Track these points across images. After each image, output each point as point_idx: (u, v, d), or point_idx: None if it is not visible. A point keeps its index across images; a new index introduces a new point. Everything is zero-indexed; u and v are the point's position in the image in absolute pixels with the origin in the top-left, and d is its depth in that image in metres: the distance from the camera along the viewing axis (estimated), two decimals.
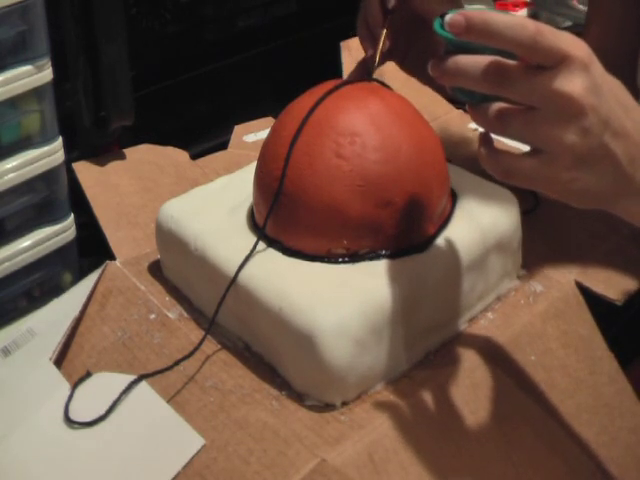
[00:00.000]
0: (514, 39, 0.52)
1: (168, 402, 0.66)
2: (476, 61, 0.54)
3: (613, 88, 0.55)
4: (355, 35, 1.02)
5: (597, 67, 0.54)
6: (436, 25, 0.55)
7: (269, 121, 1.01)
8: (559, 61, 0.52)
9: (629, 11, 0.91)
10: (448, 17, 0.53)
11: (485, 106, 0.56)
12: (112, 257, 0.81)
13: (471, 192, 0.75)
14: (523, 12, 1.30)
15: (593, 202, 0.58)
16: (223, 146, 1.00)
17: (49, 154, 0.78)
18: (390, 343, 0.66)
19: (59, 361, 0.71)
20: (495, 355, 0.70)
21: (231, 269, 0.68)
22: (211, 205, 0.76)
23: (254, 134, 1.01)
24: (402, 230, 0.68)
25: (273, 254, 0.69)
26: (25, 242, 0.79)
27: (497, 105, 0.55)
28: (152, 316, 0.74)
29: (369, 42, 0.76)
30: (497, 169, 0.57)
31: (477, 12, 0.53)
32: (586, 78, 0.53)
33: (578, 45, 0.53)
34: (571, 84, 0.52)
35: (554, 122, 0.53)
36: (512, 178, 0.57)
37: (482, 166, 0.58)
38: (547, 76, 0.53)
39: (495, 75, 0.54)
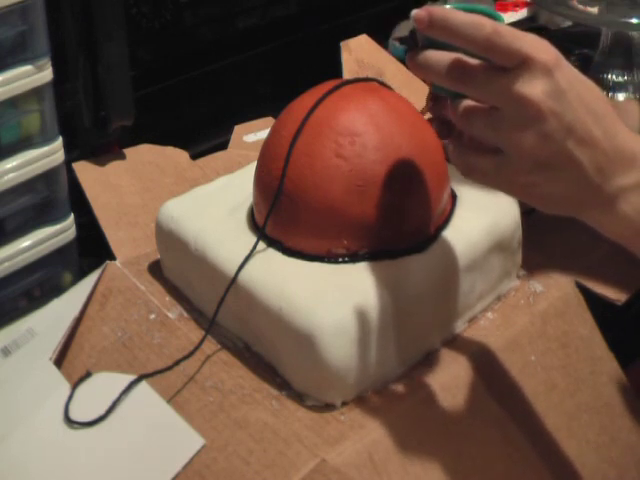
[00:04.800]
0: (470, 38, 0.52)
1: (168, 402, 0.66)
2: (442, 57, 0.54)
3: (582, 94, 0.54)
4: (355, 35, 1.02)
5: (564, 72, 0.53)
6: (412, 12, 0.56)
7: (269, 121, 1.01)
8: (519, 63, 0.52)
9: None
10: (414, 12, 0.55)
11: (457, 101, 0.56)
12: (112, 257, 0.81)
13: (471, 192, 0.75)
14: (523, 12, 1.30)
15: (558, 209, 0.57)
16: (223, 146, 1.00)
17: (49, 154, 0.78)
18: (390, 343, 0.66)
19: (59, 361, 0.71)
20: (495, 355, 0.70)
21: (231, 269, 0.68)
22: (211, 205, 0.76)
23: (254, 134, 1.01)
24: (402, 230, 0.68)
25: (273, 254, 0.69)
26: (25, 242, 0.79)
27: (465, 102, 0.55)
28: (152, 316, 0.74)
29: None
30: (460, 164, 0.57)
31: (439, 8, 0.54)
32: (547, 82, 0.52)
33: (542, 48, 0.52)
34: (530, 87, 0.52)
35: (513, 124, 0.53)
36: (472, 175, 0.57)
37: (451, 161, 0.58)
38: (507, 77, 0.52)
39: (457, 72, 0.54)
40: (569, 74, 0.53)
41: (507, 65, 0.52)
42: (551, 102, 0.52)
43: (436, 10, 0.54)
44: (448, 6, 0.55)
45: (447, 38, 0.54)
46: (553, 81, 0.52)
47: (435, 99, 0.62)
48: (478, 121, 0.54)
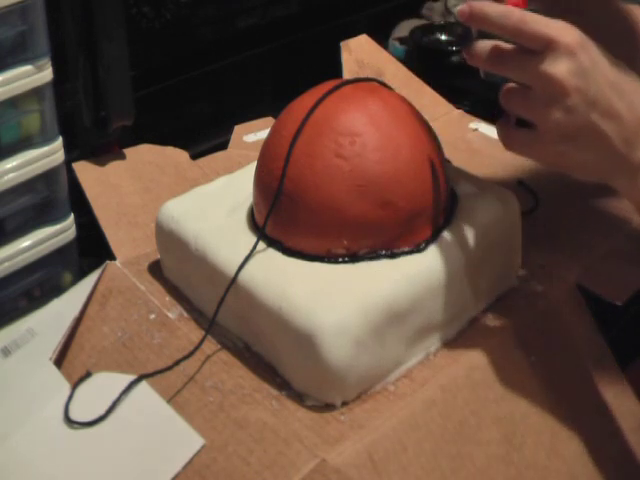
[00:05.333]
0: (501, 26, 0.60)
1: (168, 402, 0.66)
2: (484, 45, 0.62)
3: (607, 72, 0.60)
4: (355, 35, 1.02)
5: (588, 52, 0.59)
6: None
7: (269, 121, 1.01)
8: (545, 46, 0.59)
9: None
10: (458, 7, 0.62)
11: (503, 83, 0.63)
12: (112, 257, 0.81)
13: (471, 192, 0.75)
14: None
15: (588, 175, 0.64)
16: (223, 146, 1.00)
17: (49, 154, 0.78)
18: (390, 343, 0.66)
19: (59, 361, 0.71)
20: (495, 355, 0.70)
21: (231, 269, 0.68)
22: (211, 205, 0.76)
23: (254, 134, 1.01)
24: (402, 230, 0.68)
25: (273, 254, 0.69)
26: (25, 242, 0.79)
27: (509, 84, 0.62)
28: (152, 316, 0.74)
29: None
30: (503, 138, 0.65)
31: (478, 2, 0.61)
32: (571, 62, 0.58)
33: (567, 32, 0.59)
34: (554, 67, 0.58)
35: (542, 101, 0.60)
36: (512, 147, 0.64)
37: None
38: (535, 59, 0.59)
39: (495, 57, 0.61)
40: (593, 54, 0.59)
41: (535, 48, 0.59)
42: (574, 79, 0.58)
43: (476, 4, 0.61)
44: None
45: (485, 27, 0.61)
46: (577, 60, 0.58)
47: None
48: (514, 99, 0.62)
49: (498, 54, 0.61)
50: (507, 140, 0.64)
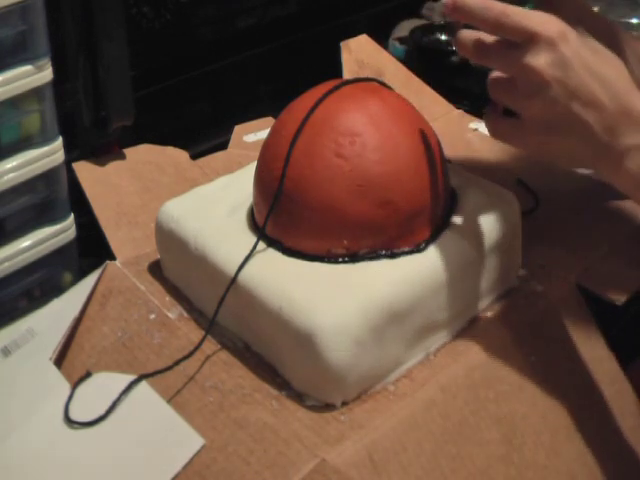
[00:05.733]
0: (482, 19, 0.61)
1: (168, 402, 0.66)
2: (468, 35, 0.63)
3: (589, 62, 0.60)
4: (355, 35, 1.02)
5: (568, 43, 0.60)
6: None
7: (269, 121, 1.01)
8: (527, 39, 0.60)
9: None
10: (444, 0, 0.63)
11: (490, 72, 0.65)
12: (112, 257, 0.81)
13: (471, 192, 0.75)
14: None
15: (572, 163, 0.67)
16: (223, 146, 1.00)
17: (49, 154, 0.78)
18: (390, 343, 0.66)
19: (59, 361, 0.71)
20: (495, 355, 0.70)
21: (231, 269, 0.68)
22: (211, 205, 0.76)
23: (254, 134, 1.01)
24: (402, 230, 0.68)
25: (273, 254, 0.69)
26: (25, 242, 0.79)
27: (494, 73, 0.64)
28: (152, 316, 0.74)
29: None
30: (489, 127, 0.66)
31: None
32: (551, 53, 0.59)
33: (547, 23, 0.60)
34: (535, 59, 0.60)
35: (524, 92, 0.61)
36: (497, 136, 0.66)
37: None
38: (517, 51, 0.60)
39: (478, 48, 0.63)
40: (574, 44, 0.60)
41: (517, 41, 0.60)
42: (554, 70, 0.60)
43: None
44: None
45: (468, 21, 0.62)
46: (557, 52, 0.59)
47: None
48: (498, 89, 0.64)
49: (481, 46, 0.63)
50: (493, 129, 0.66)
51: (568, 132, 0.62)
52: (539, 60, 0.59)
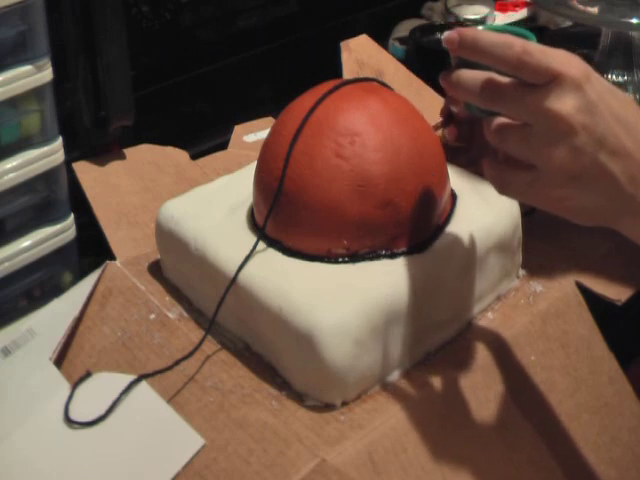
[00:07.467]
0: (500, 58, 0.54)
1: (168, 402, 0.66)
2: (474, 76, 0.56)
3: (613, 105, 0.55)
4: (355, 35, 1.02)
5: (594, 85, 0.54)
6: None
7: (269, 121, 1.01)
8: (550, 80, 0.53)
9: None
10: (445, 33, 0.57)
11: (489, 119, 0.57)
12: (112, 257, 0.81)
13: (471, 192, 0.75)
14: (523, 12, 1.30)
15: (593, 220, 0.58)
16: (223, 146, 1.00)
17: (49, 154, 0.78)
18: (390, 343, 0.66)
19: (59, 361, 0.71)
20: (495, 355, 0.70)
21: (231, 269, 0.68)
22: (211, 205, 0.76)
23: (254, 134, 1.01)
24: (402, 230, 0.68)
25: (273, 254, 0.69)
26: (25, 242, 0.79)
27: (498, 119, 0.56)
28: (152, 316, 0.74)
29: None
30: (495, 180, 0.59)
31: (470, 30, 0.56)
32: (578, 97, 0.53)
33: (572, 63, 0.54)
34: (561, 103, 0.53)
35: (545, 140, 0.54)
36: (507, 191, 0.58)
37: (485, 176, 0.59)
38: (538, 94, 0.54)
39: (489, 91, 0.56)
40: (599, 87, 0.54)
41: (538, 82, 0.54)
42: (582, 116, 0.53)
43: (466, 31, 0.56)
44: (480, 27, 0.58)
45: (478, 58, 0.55)
46: (583, 95, 0.53)
47: (448, 114, 0.65)
48: (511, 138, 0.56)
49: (492, 88, 0.55)
50: (501, 183, 0.58)
51: (592, 185, 0.55)
52: (565, 104, 0.53)
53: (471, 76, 0.56)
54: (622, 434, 0.71)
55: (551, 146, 0.54)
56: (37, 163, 0.78)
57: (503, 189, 0.58)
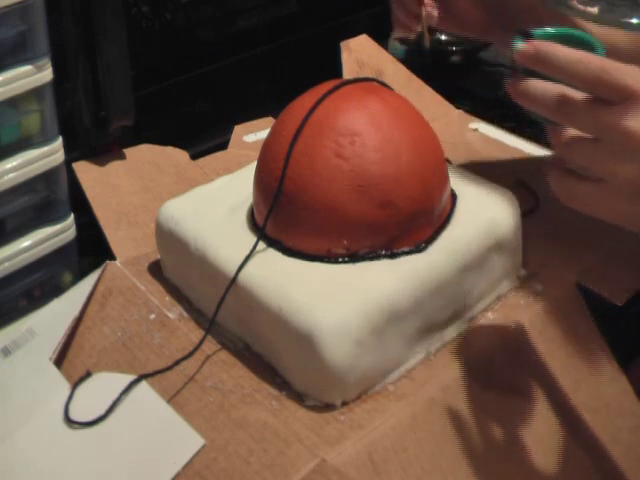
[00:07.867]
0: (578, 75, 0.54)
1: (168, 402, 0.66)
2: (546, 89, 0.56)
3: None
4: (355, 35, 1.02)
5: None
6: (516, 44, 0.56)
7: (269, 121, 1.01)
8: (625, 97, 0.53)
9: None
10: (519, 46, 0.55)
11: (559, 129, 0.57)
12: (112, 257, 0.81)
13: (471, 192, 0.75)
14: None
15: None
16: (223, 146, 1.00)
17: (49, 154, 0.78)
18: (390, 343, 0.66)
19: (59, 361, 0.71)
20: (495, 355, 0.70)
21: (231, 269, 0.68)
22: (211, 205, 0.76)
23: (254, 134, 1.01)
24: (402, 230, 0.68)
25: (273, 254, 0.69)
26: (25, 242, 0.79)
27: (570, 131, 0.56)
28: (152, 316, 0.74)
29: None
30: (561, 191, 0.58)
31: (546, 45, 0.55)
32: None
33: None
34: (635, 122, 0.53)
35: (618, 157, 0.54)
36: (574, 202, 0.58)
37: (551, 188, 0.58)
38: (612, 111, 0.53)
39: (561, 105, 0.55)
40: None
41: (612, 99, 0.54)
42: None
43: (543, 47, 0.55)
44: (537, 31, 0.57)
45: (552, 73, 0.55)
46: None
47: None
48: (581, 151, 0.56)
49: (566, 103, 0.55)
50: (568, 193, 0.58)
51: None
52: (639, 122, 0.53)
53: (542, 88, 0.56)
54: (622, 434, 0.71)
55: (622, 162, 0.54)
56: (37, 163, 0.78)
57: (569, 200, 0.58)
